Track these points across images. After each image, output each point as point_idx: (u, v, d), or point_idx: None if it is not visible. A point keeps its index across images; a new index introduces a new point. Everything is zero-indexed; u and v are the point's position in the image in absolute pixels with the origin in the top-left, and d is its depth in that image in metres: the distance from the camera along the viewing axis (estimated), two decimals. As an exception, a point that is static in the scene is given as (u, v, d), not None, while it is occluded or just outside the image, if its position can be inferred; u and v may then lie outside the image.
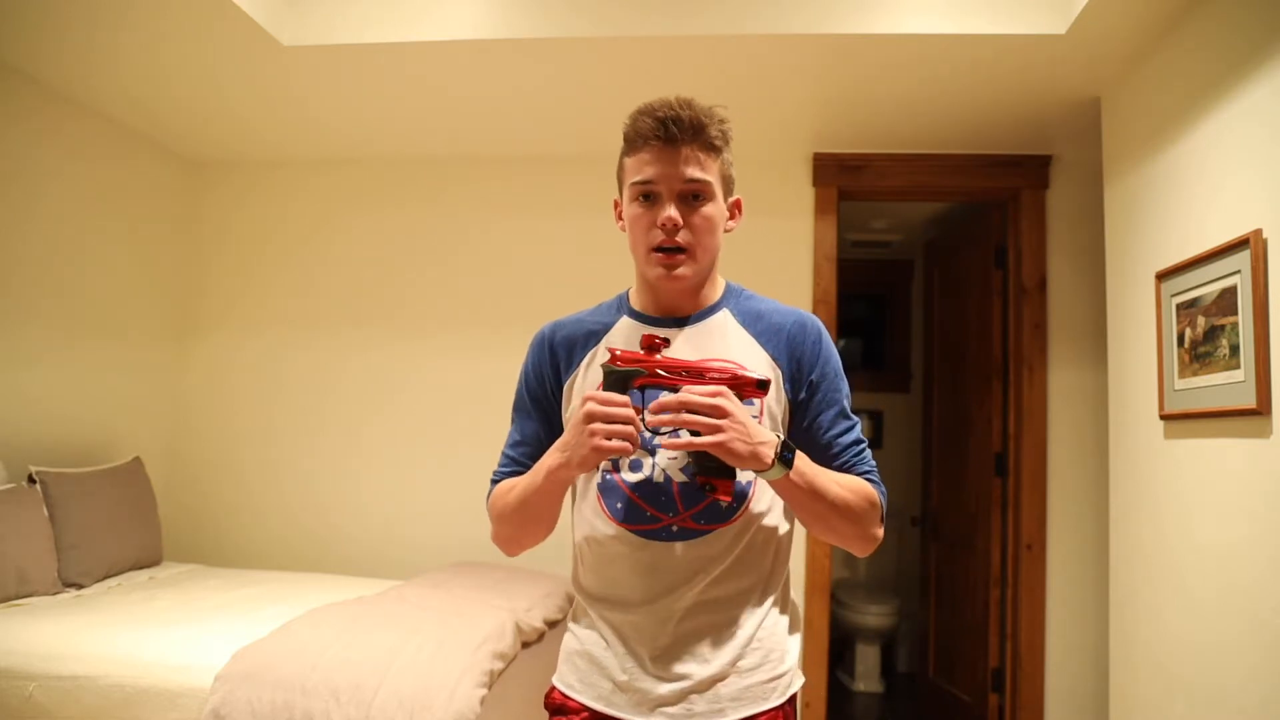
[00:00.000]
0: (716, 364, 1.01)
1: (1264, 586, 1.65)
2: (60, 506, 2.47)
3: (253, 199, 3.45)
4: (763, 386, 0.99)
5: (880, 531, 1.12)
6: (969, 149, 3.05)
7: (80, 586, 2.45)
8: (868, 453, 1.14)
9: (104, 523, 2.60)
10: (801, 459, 1.01)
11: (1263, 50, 1.72)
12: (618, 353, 1.02)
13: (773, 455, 0.96)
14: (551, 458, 1.03)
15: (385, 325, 3.31)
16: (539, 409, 1.18)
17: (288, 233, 3.41)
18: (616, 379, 1.01)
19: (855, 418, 1.15)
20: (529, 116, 2.90)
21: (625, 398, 0.97)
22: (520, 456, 1.18)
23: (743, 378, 0.99)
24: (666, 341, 1.04)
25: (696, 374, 0.99)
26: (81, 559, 2.46)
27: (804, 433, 1.12)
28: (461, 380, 3.23)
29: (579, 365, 1.15)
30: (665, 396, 0.97)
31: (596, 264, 3.16)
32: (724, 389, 0.96)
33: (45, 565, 2.35)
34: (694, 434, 0.95)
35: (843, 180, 3.12)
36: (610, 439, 0.95)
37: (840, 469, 1.10)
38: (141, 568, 2.75)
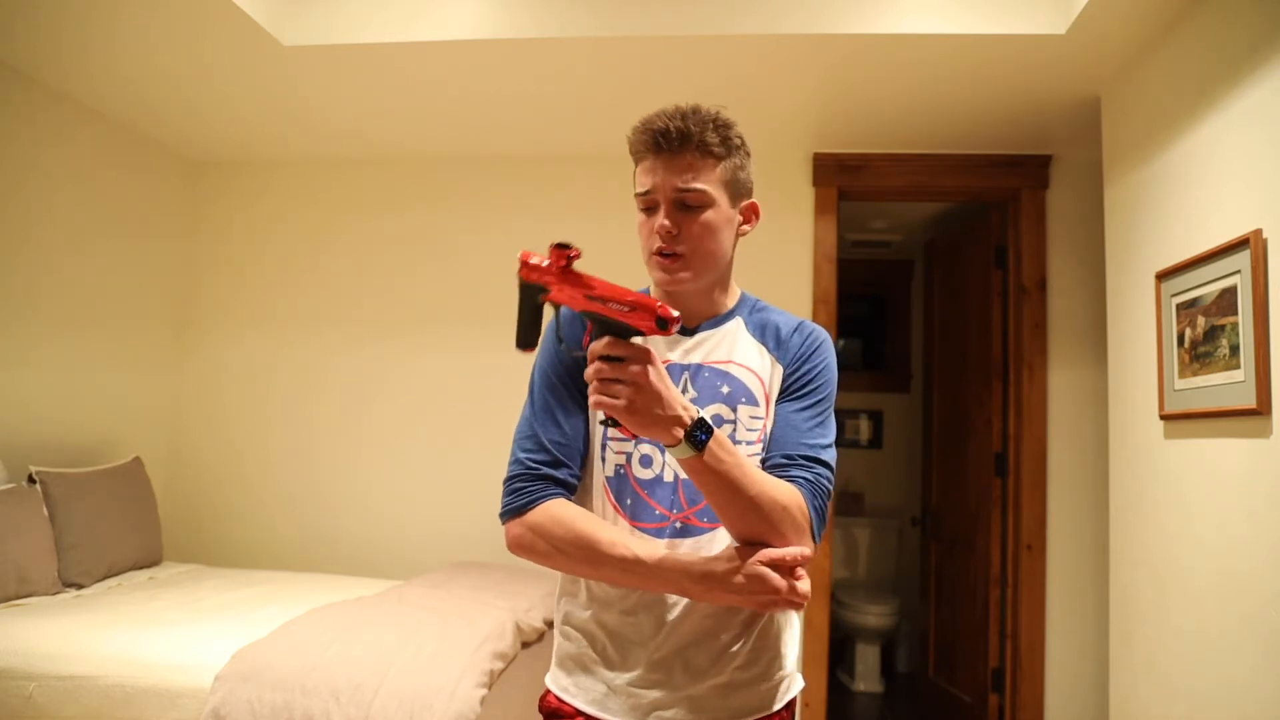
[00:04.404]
0: (625, 294, 0.88)
1: (1264, 586, 1.65)
2: (60, 506, 2.47)
3: (254, 198, 3.45)
4: (662, 325, 0.87)
5: (808, 548, 0.99)
6: (969, 149, 3.05)
7: (80, 586, 2.45)
8: (822, 470, 1.05)
9: (104, 523, 2.59)
10: (721, 445, 0.93)
11: (1263, 50, 1.72)
12: (530, 260, 0.91)
13: (682, 432, 0.90)
14: (679, 581, 0.99)
15: (385, 324, 3.31)
16: (578, 387, 1.11)
17: (288, 231, 3.41)
18: (526, 292, 0.91)
19: (829, 433, 1.09)
20: (528, 116, 2.90)
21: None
22: (564, 445, 1.09)
23: (641, 310, 0.86)
24: (578, 253, 0.90)
25: (599, 301, 0.88)
26: (81, 559, 2.46)
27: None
28: (461, 379, 3.23)
29: None
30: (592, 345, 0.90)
31: (596, 262, 3.17)
32: (632, 345, 0.88)
33: (45, 565, 2.35)
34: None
35: (843, 180, 3.12)
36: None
37: (778, 465, 1.05)
38: (141, 568, 2.75)
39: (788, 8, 2.26)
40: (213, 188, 3.48)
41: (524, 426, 1.11)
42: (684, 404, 0.92)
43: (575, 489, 1.10)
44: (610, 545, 1.01)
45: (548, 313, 0.96)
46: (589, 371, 0.90)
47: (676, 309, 1.12)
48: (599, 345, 0.89)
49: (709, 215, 1.07)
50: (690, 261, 1.07)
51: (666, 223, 1.06)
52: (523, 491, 1.06)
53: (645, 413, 0.89)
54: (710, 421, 0.93)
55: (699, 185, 1.06)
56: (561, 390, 1.11)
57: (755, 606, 0.98)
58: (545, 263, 0.90)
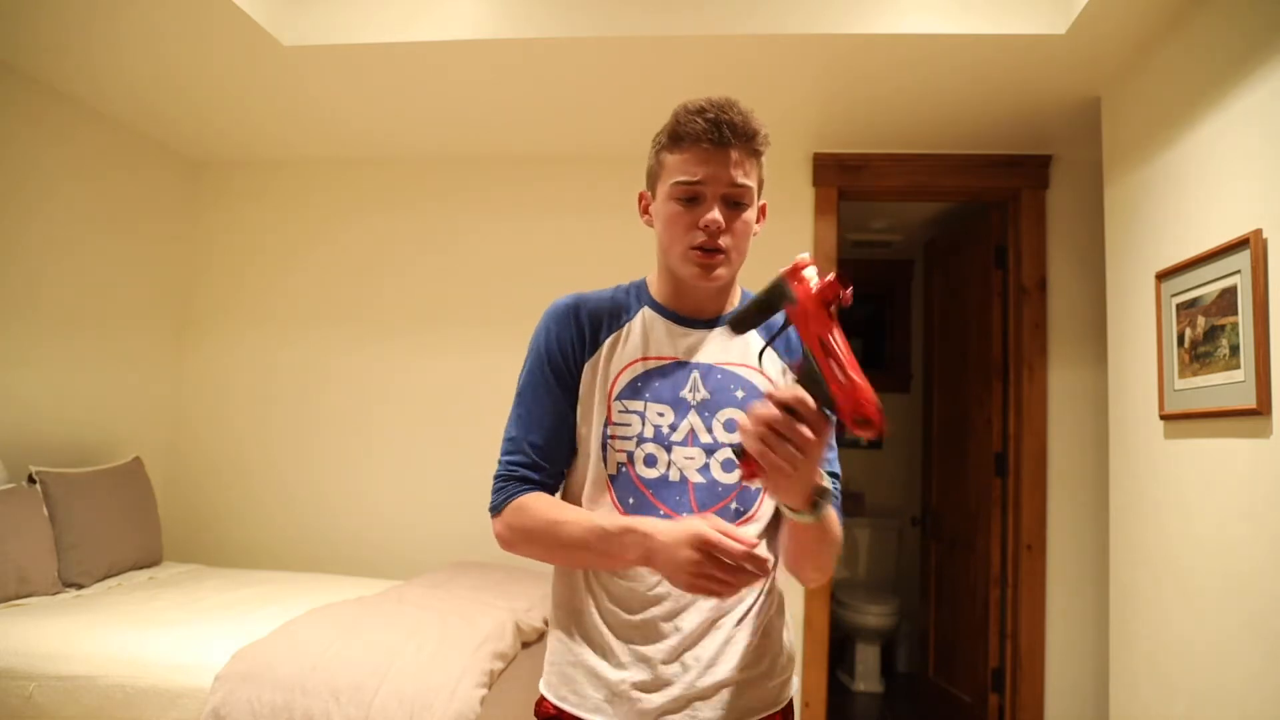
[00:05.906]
0: (854, 366, 0.83)
1: (1265, 587, 1.65)
2: (60, 506, 2.47)
3: (254, 198, 3.45)
4: (860, 424, 0.83)
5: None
6: (969, 149, 3.05)
7: (80, 586, 2.45)
8: (838, 483, 1.09)
9: (104, 523, 2.59)
10: (830, 512, 0.96)
11: (1263, 50, 1.72)
12: (804, 269, 0.86)
13: (811, 499, 0.92)
14: (638, 547, 0.96)
15: (385, 324, 3.31)
16: (563, 388, 1.11)
17: (288, 231, 3.41)
18: (777, 290, 0.86)
19: (834, 444, 1.10)
20: (528, 116, 2.90)
21: (749, 541, 0.90)
22: (543, 448, 1.10)
23: (857, 397, 0.82)
24: (848, 300, 0.85)
25: (826, 352, 0.83)
26: (81, 559, 2.46)
27: None
28: (460, 378, 3.23)
29: (603, 345, 1.12)
30: (769, 411, 0.84)
31: (595, 261, 3.17)
32: (821, 414, 0.83)
33: (45, 565, 2.35)
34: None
35: (843, 180, 3.12)
36: (720, 586, 0.91)
37: None
38: (141, 568, 2.75)
39: (788, 8, 2.26)
40: (213, 188, 3.48)
41: (509, 427, 1.13)
42: (821, 473, 0.91)
43: (554, 489, 1.12)
44: (573, 522, 1.02)
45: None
46: (762, 413, 0.84)
47: (690, 307, 1.13)
48: (789, 395, 0.83)
49: (749, 213, 1.07)
50: (730, 257, 1.07)
51: (720, 218, 1.04)
52: (501, 490, 1.10)
53: (799, 481, 0.88)
54: (829, 486, 0.93)
55: (749, 182, 1.05)
56: (544, 392, 1.11)
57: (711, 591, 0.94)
58: (815, 283, 0.85)
